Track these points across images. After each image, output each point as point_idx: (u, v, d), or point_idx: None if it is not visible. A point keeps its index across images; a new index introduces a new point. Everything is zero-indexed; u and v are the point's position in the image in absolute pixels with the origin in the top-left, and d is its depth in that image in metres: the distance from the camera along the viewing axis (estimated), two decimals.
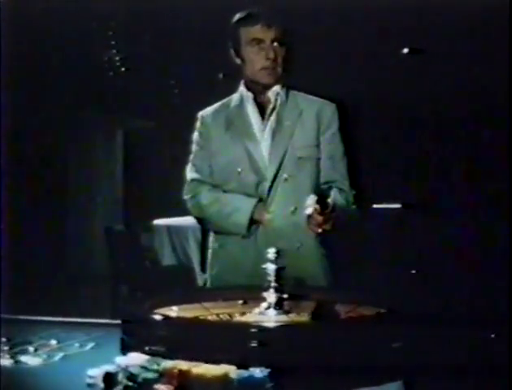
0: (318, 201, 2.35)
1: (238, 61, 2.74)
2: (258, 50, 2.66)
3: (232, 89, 2.79)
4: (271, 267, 2.02)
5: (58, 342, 2.04)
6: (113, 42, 5.51)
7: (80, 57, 5.80)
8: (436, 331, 1.87)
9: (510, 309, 2.41)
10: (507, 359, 1.75)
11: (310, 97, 2.76)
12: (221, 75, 3.35)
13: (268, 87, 2.71)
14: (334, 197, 2.54)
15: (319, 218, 2.37)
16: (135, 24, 5.37)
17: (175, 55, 5.90)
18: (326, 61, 5.14)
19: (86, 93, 6.62)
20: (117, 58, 5.58)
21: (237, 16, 2.74)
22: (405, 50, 4.89)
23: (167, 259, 5.95)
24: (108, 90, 6.34)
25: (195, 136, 2.79)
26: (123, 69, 5.64)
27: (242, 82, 2.77)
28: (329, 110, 2.73)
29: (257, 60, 2.67)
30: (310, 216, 2.39)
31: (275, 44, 2.65)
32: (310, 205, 2.37)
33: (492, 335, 1.80)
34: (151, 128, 8.43)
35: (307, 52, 3.20)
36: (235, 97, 2.77)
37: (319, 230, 2.42)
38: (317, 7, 4.47)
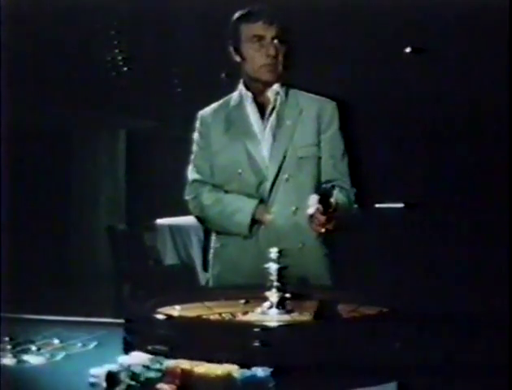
0: (320, 201, 2.35)
1: (237, 58, 2.73)
2: (258, 47, 2.66)
3: (235, 89, 2.79)
4: (273, 267, 2.02)
5: (61, 341, 2.05)
6: (115, 42, 5.51)
7: (82, 56, 5.80)
8: (437, 331, 1.87)
9: (510, 309, 2.41)
10: (507, 359, 1.75)
11: (311, 95, 2.75)
12: (223, 75, 3.35)
13: (268, 84, 2.70)
14: (336, 196, 2.54)
15: (322, 218, 2.37)
16: (138, 24, 5.38)
17: (178, 55, 5.90)
18: (326, 59, 5.14)
19: (89, 92, 6.62)
20: (120, 58, 5.58)
21: (238, 13, 2.73)
22: (408, 49, 4.89)
23: (170, 258, 5.96)
24: (111, 90, 6.34)
25: (195, 136, 2.79)
26: (125, 69, 5.64)
27: (241, 81, 2.77)
28: (329, 108, 2.72)
29: (257, 57, 2.66)
30: (312, 216, 2.39)
31: (276, 41, 2.65)
32: (312, 204, 2.37)
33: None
34: (154, 128, 8.44)
35: (308, 50, 3.20)
36: (234, 97, 2.77)
37: (322, 230, 2.42)
38: (318, 5, 4.47)
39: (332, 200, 2.39)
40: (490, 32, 4.48)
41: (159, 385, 1.61)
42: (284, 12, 2.77)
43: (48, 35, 5.39)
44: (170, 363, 1.66)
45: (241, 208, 2.64)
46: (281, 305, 2.00)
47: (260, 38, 2.66)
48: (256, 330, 1.77)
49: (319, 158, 2.68)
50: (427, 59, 4.93)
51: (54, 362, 1.90)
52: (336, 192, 2.60)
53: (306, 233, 2.54)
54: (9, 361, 1.90)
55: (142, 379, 1.64)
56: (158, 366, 1.66)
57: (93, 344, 2.04)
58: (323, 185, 2.67)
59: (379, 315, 1.98)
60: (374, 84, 5.14)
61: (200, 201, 2.73)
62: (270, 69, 2.66)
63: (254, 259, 2.47)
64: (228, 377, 1.61)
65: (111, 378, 1.65)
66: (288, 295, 2.02)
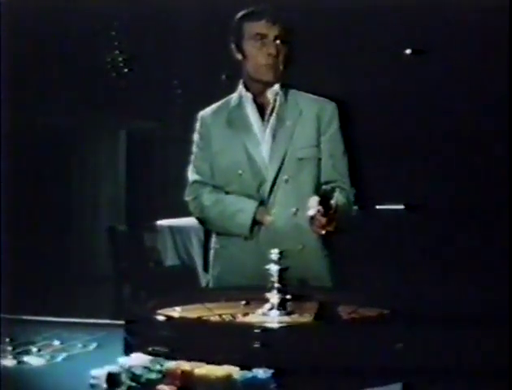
0: (320, 203, 2.35)
1: (239, 56, 2.73)
2: (260, 46, 2.66)
3: (235, 90, 2.79)
4: (274, 268, 2.02)
5: (62, 342, 2.05)
6: (116, 43, 5.52)
7: (83, 57, 5.80)
8: (437, 332, 1.87)
9: (510, 309, 2.41)
10: (507, 359, 1.75)
11: (310, 96, 2.75)
12: (224, 76, 3.35)
13: (268, 84, 2.70)
14: (336, 197, 2.54)
15: (322, 220, 2.36)
16: (138, 25, 5.38)
17: (178, 56, 5.91)
18: (327, 60, 5.15)
19: (89, 93, 6.62)
20: (120, 59, 5.59)
21: (242, 12, 2.74)
22: (408, 51, 4.89)
23: (170, 260, 5.95)
24: (111, 91, 6.35)
25: (195, 137, 2.78)
26: (126, 70, 5.65)
27: (241, 82, 2.76)
28: (329, 109, 2.72)
29: (259, 56, 2.66)
30: (312, 217, 2.38)
31: (278, 41, 2.65)
32: (312, 206, 2.36)
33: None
34: (154, 129, 8.44)
35: (309, 50, 3.20)
36: (234, 97, 2.76)
37: (322, 231, 2.41)
38: (319, 6, 4.47)
39: (333, 202, 2.39)
40: (490, 32, 4.49)
41: (160, 386, 1.61)
42: (288, 13, 2.77)
43: (48, 35, 5.39)
44: (170, 364, 1.67)
45: (242, 209, 2.64)
46: (282, 306, 2.00)
47: (262, 37, 2.66)
48: (256, 331, 1.77)
49: (319, 159, 2.68)
50: (426, 60, 4.93)
51: (55, 364, 1.90)
52: (336, 193, 2.60)
53: (307, 235, 2.54)
54: (9, 362, 1.90)
55: (143, 380, 1.64)
56: (158, 367, 1.66)
57: (93, 346, 2.04)
58: (323, 187, 2.66)
59: (380, 317, 1.98)
60: (374, 85, 5.14)
61: (200, 202, 2.73)
62: (270, 68, 2.66)
63: (255, 260, 2.47)
64: (229, 378, 1.61)
65: (112, 379, 1.65)
66: (288, 296, 2.02)
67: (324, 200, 2.36)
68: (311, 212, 2.37)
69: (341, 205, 2.50)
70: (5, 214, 4.23)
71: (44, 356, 1.94)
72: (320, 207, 2.34)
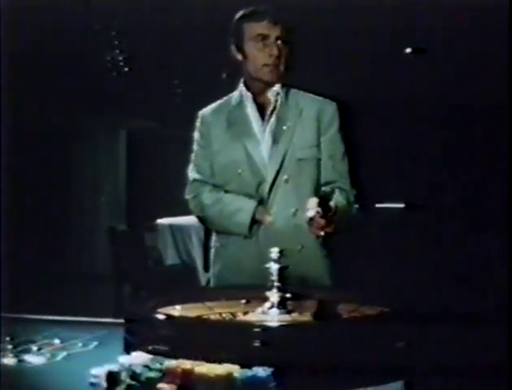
0: (319, 204, 2.34)
1: (239, 57, 2.72)
2: (262, 46, 2.65)
3: (235, 89, 2.79)
4: (273, 267, 2.02)
5: (62, 341, 2.05)
6: (116, 42, 5.51)
7: (83, 57, 5.80)
8: (438, 331, 1.87)
9: (510, 309, 2.41)
10: (507, 359, 1.75)
11: (311, 95, 2.74)
12: (224, 75, 3.35)
13: (269, 85, 2.69)
14: (336, 199, 2.54)
15: (322, 222, 2.35)
16: (138, 24, 5.38)
17: (178, 55, 5.90)
18: (328, 60, 5.15)
19: (89, 93, 6.63)
20: (120, 58, 5.59)
21: (242, 12, 2.73)
22: (408, 50, 4.89)
23: (170, 258, 5.96)
24: (111, 90, 6.35)
25: (196, 135, 2.78)
26: (126, 69, 5.65)
27: (242, 81, 2.76)
28: (330, 109, 2.71)
29: (260, 56, 2.66)
30: (311, 219, 2.37)
31: (279, 42, 2.65)
32: (311, 207, 2.35)
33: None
34: (154, 128, 8.45)
35: (310, 51, 3.20)
36: (234, 96, 2.76)
37: (321, 233, 2.40)
38: (319, 5, 4.48)
39: (332, 203, 2.39)
40: (490, 32, 4.49)
41: (160, 385, 1.61)
42: (289, 13, 2.77)
43: (48, 35, 5.39)
44: (170, 363, 1.67)
45: (242, 208, 2.64)
46: (282, 305, 2.00)
47: (264, 37, 2.65)
48: (257, 330, 1.78)
49: (319, 160, 2.67)
50: (427, 60, 4.94)
51: (55, 362, 1.91)
52: (335, 195, 2.60)
53: (306, 235, 2.52)
54: (9, 361, 1.90)
55: (143, 378, 1.64)
56: (158, 366, 1.67)
57: (93, 344, 2.04)
58: (323, 188, 2.66)
59: (380, 315, 1.99)
60: (374, 85, 5.15)
61: (200, 201, 2.73)
62: (272, 69, 2.66)
63: (255, 259, 2.47)
64: (229, 377, 1.61)
65: (112, 378, 1.65)
66: (288, 295, 2.02)
67: (323, 201, 2.35)
68: (310, 213, 2.36)
69: (341, 206, 2.50)
70: (5, 214, 4.23)
71: (44, 354, 1.94)
72: (319, 209, 2.33)
